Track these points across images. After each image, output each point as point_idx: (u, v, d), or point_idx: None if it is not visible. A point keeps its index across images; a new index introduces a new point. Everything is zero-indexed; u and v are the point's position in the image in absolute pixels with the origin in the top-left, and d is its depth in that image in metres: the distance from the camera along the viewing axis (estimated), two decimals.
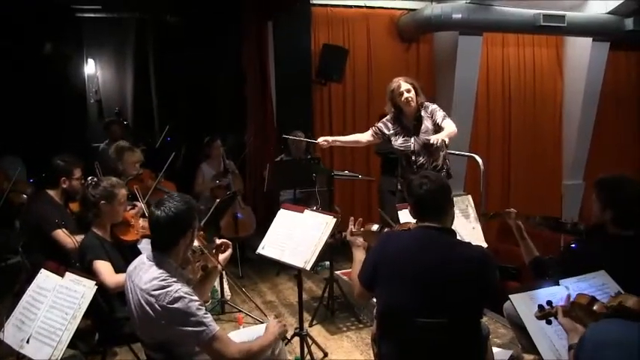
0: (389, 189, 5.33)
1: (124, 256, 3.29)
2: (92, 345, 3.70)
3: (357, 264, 2.88)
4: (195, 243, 2.72)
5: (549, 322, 2.25)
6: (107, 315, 3.19)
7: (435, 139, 4.04)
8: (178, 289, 2.28)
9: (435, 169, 4.25)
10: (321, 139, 4.57)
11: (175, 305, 2.24)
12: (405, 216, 3.51)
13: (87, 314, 3.39)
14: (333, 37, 7.18)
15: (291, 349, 3.86)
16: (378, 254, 2.61)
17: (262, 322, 2.95)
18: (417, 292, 2.42)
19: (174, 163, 5.96)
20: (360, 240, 3.04)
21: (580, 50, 8.43)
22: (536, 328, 2.46)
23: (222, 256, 2.89)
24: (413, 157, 4.30)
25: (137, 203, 3.99)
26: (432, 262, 2.43)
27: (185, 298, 2.27)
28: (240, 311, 4.60)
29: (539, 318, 2.25)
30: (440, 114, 4.24)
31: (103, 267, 3.12)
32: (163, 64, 7.04)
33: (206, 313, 2.31)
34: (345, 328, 4.39)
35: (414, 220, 2.69)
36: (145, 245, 3.58)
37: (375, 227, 3.04)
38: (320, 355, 3.92)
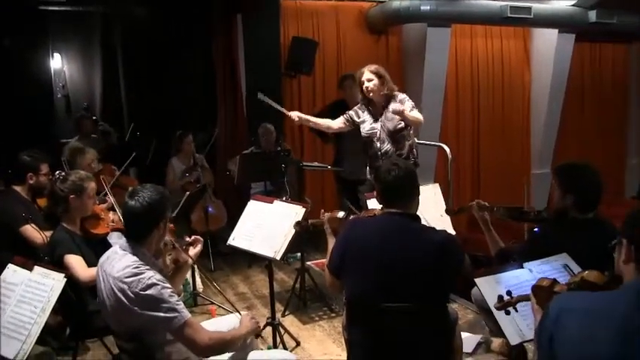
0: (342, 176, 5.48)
1: (94, 250, 3.27)
2: (63, 340, 3.70)
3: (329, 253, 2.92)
4: (168, 237, 2.73)
5: (508, 313, 2.28)
6: (78, 309, 3.18)
7: (398, 109, 4.15)
8: (151, 276, 2.29)
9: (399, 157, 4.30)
10: (293, 113, 4.59)
11: (148, 292, 2.25)
12: (373, 205, 3.56)
13: (57, 309, 3.39)
14: (303, 30, 7.20)
15: (264, 339, 3.88)
16: (344, 242, 2.64)
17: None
18: (383, 277, 2.45)
19: (144, 159, 5.94)
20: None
21: (547, 41, 8.58)
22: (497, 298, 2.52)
23: (192, 251, 2.89)
24: (378, 144, 4.35)
25: (107, 198, 3.97)
26: (396, 248, 2.47)
27: (158, 285, 2.27)
28: (212, 303, 4.62)
29: (498, 309, 2.28)
30: (408, 104, 4.28)
31: (75, 261, 3.11)
32: (132, 58, 6.97)
33: (178, 301, 2.32)
34: (317, 318, 4.44)
35: (379, 207, 2.73)
36: (115, 240, 3.57)
37: (340, 214, 3.08)
38: (293, 344, 3.96)
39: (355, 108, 4.50)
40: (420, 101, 7.31)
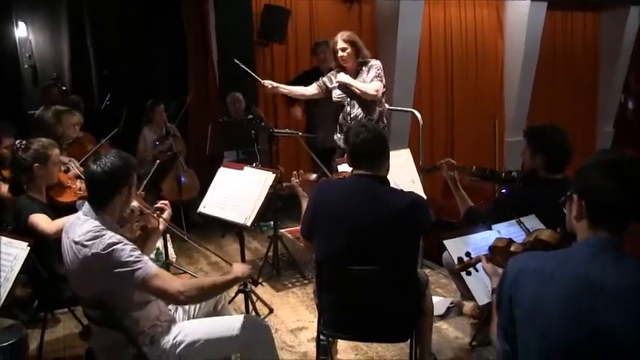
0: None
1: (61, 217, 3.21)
2: (32, 312, 3.65)
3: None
4: (135, 203, 2.69)
5: (469, 274, 2.29)
6: (46, 278, 3.14)
7: (340, 77, 4.25)
8: (112, 236, 2.26)
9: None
10: (267, 82, 4.57)
11: (109, 250, 2.21)
12: (343, 169, 3.56)
13: (27, 281, 3.34)
14: None
15: (236, 307, 3.88)
16: (313, 204, 2.64)
17: None
18: (351, 240, 2.46)
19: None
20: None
21: (519, 10, 8.61)
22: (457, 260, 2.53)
23: (162, 218, 2.86)
24: (348, 108, 4.33)
25: (70, 166, 3.91)
26: (363, 210, 2.46)
27: (118, 242, 2.24)
28: (185, 272, 4.60)
29: (459, 270, 2.29)
30: (373, 73, 4.27)
31: (39, 218, 3.09)
32: (100, 25, 6.77)
33: (141, 255, 2.29)
34: (290, 285, 4.45)
35: (350, 170, 2.72)
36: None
37: (312, 176, 3.09)
38: (266, 311, 3.96)
39: (329, 74, 4.48)
40: (394, 70, 7.30)
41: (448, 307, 3.93)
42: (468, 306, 3.83)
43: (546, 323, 1.47)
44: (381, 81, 4.28)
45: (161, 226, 2.85)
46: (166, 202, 2.92)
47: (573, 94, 9.97)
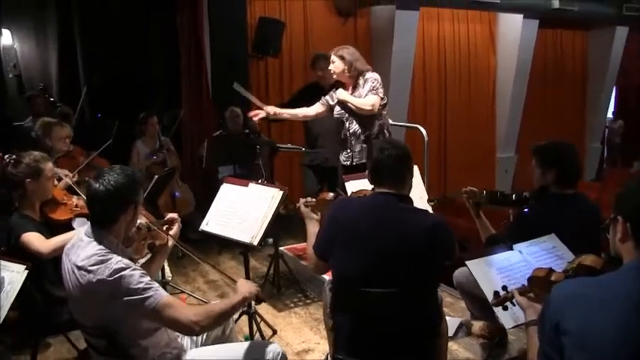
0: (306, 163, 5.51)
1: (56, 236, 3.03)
2: (20, 336, 3.44)
3: (310, 237, 2.76)
4: (143, 220, 2.53)
5: (505, 309, 2.20)
6: (40, 302, 2.95)
7: (338, 94, 4.23)
8: (119, 260, 2.09)
9: (367, 138, 4.21)
10: (270, 108, 4.45)
11: (116, 276, 2.04)
12: (352, 187, 3.45)
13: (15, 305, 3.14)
14: (270, 10, 7.01)
15: (239, 329, 3.72)
16: (329, 223, 2.51)
17: (207, 302, 2.76)
18: (372, 259, 2.34)
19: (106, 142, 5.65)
20: (312, 212, 2.93)
21: (511, 27, 8.71)
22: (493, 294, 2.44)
23: (172, 232, 2.71)
24: (347, 124, 4.27)
25: (63, 177, 3.74)
26: (386, 229, 2.35)
27: (126, 268, 2.07)
28: (182, 292, 4.43)
29: (495, 305, 2.21)
30: (368, 86, 4.20)
31: (32, 237, 2.91)
32: (90, 34, 6.58)
33: (151, 281, 2.12)
34: (292, 305, 4.29)
35: (369, 187, 2.60)
36: (78, 225, 3.33)
37: (330, 196, 2.96)
38: (269, 332, 3.81)
39: (331, 92, 4.41)
40: (388, 83, 7.23)
41: (457, 327, 3.82)
42: (477, 325, 3.74)
43: (596, 348, 1.42)
44: (377, 94, 4.20)
45: (170, 242, 2.70)
46: (175, 214, 2.77)
47: (563, 110, 10.06)
